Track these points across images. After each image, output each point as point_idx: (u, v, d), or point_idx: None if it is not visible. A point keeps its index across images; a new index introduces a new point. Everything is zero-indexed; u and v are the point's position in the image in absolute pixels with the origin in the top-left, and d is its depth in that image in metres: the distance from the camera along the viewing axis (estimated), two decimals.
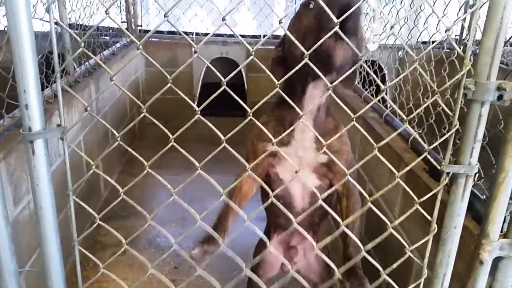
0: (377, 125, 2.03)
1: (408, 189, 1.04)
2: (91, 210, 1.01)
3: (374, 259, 1.15)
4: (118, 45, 3.80)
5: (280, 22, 0.87)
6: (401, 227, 1.68)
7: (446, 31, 0.89)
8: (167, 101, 3.27)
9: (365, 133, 1.05)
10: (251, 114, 0.93)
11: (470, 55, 0.95)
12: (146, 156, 0.95)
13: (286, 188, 1.50)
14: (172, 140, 0.92)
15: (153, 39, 4.54)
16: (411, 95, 1.82)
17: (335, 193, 1.50)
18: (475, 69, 0.93)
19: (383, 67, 3.50)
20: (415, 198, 1.03)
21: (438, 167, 1.02)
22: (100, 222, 1.03)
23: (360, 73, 2.52)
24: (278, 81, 0.94)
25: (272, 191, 1.59)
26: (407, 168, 1.08)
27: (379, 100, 2.40)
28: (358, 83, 2.55)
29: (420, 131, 1.72)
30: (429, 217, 1.05)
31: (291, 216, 1.07)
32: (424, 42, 3.15)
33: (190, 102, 0.98)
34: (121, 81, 3.73)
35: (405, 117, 1.01)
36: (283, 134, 1.11)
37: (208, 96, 0.96)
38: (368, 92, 2.34)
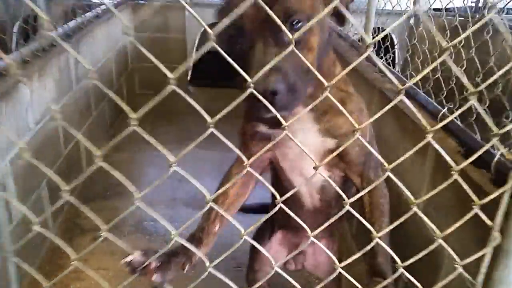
0: None
1: (467, 189, 0.75)
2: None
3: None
4: (103, 6, 3.45)
5: None
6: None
7: None
8: (157, 69, 2.92)
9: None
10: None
11: None
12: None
13: (290, 182, 1.24)
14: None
15: (141, 1, 4.15)
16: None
17: (352, 187, 1.24)
18: None
19: (395, 40, 3.18)
20: (476, 199, 0.76)
21: (507, 157, 0.75)
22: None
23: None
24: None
25: (278, 180, 1.33)
26: (467, 162, 0.79)
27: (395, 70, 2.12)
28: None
29: (452, 106, 1.45)
30: (490, 223, 0.79)
31: (306, 227, 0.80)
32: (436, 9, 2.84)
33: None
34: (107, 48, 3.39)
35: (472, 88, 0.74)
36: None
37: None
38: (384, 61, 2.05)
